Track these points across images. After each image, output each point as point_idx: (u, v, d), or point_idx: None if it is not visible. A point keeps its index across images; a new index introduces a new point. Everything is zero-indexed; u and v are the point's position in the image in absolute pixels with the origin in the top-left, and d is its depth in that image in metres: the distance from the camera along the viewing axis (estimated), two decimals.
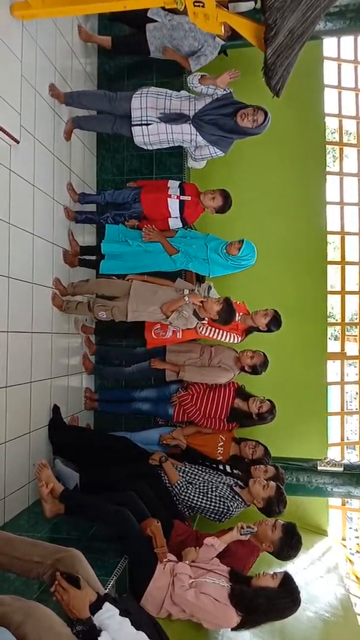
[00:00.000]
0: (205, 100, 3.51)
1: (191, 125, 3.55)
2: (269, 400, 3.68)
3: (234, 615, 2.34)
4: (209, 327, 3.65)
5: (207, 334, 3.67)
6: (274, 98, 3.23)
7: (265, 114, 3.40)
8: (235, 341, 3.74)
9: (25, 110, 3.11)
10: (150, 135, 3.64)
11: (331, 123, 5.58)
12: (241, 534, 2.69)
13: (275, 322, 3.68)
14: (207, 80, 3.49)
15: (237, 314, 3.59)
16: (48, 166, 3.53)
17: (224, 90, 3.49)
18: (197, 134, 3.57)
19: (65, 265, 3.80)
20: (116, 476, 3.13)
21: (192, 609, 2.39)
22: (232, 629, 2.41)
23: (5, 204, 2.89)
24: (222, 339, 3.71)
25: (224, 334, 3.67)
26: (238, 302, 3.78)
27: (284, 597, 2.38)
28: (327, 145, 5.13)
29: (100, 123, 3.86)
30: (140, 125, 3.61)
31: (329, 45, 5.10)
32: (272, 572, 2.46)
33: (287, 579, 2.42)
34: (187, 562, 2.58)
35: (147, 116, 3.57)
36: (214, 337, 3.68)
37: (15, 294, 2.98)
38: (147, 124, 3.59)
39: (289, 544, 2.71)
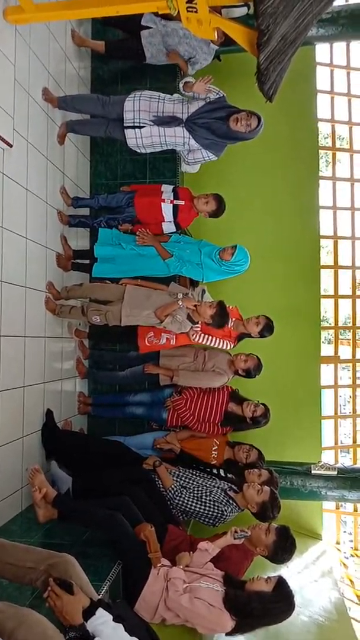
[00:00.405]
0: (198, 103, 3.52)
1: (184, 128, 3.55)
2: (263, 404, 3.68)
3: (229, 619, 2.33)
4: (202, 334, 3.65)
5: (199, 341, 3.67)
6: (267, 103, 3.25)
7: (259, 119, 3.41)
8: (228, 347, 3.75)
9: (18, 114, 3.11)
10: (144, 138, 3.64)
11: (324, 128, 5.62)
12: (235, 538, 2.69)
13: (267, 328, 3.69)
14: (188, 88, 3.51)
15: (230, 319, 3.60)
16: (41, 170, 3.52)
17: (217, 93, 3.51)
18: (190, 137, 3.57)
19: (59, 269, 3.79)
20: (109, 481, 3.12)
21: (186, 614, 2.38)
22: (227, 634, 2.40)
23: None
24: (215, 346, 3.71)
25: (217, 340, 3.68)
26: (230, 307, 3.78)
27: (279, 601, 2.37)
28: (320, 150, 5.16)
29: (94, 127, 3.87)
30: (133, 127, 3.61)
31: (322, 51, 5.14)
32: (266, 577, 2.46)
33: (281, 583, 2.41)
34: (181, 566, 2.57)
35: (139, 119, 3.57)
36: (207, 344, 3.69)
37: (8, 298, 2.97)
38: (139, 127, 3.60)
39: (283, 547, 2.70)
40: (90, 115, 3.90)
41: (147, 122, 3.56)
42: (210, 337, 3.66)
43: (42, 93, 3.52)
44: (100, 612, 1.84)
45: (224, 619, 2.33)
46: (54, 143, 3.73)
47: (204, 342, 3.68)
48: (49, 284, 3.60)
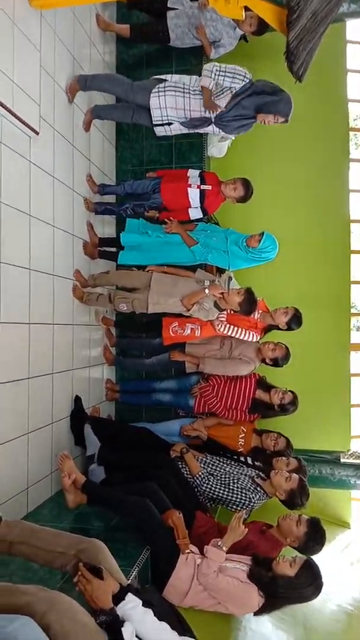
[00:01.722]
0: (226, 99, 3.43)
1: (214, 125, 3.57)
2: (291, 391, 3.64)
3: (257, 595, 2.36)
4: (228, 325, 3.60)
5: (225, 332, 3.63)
6: (296, 83, 3.17)
7: (287, 116, 3.38)
8: (254, 339, 3.68)
9: (44, 101, 3.10)
10: (173, 131, 3.69)
11: (354, 109, 5.44)
12: (238, 521, 2.58)
13: (295, 320, 3.62)
14: (207, 103, 3.48)
15: (257, 311, 3.56)
16: (67, 157, 3.52)
17: (243, 80, 3.40)
18: (220, 130, 3.58)
19: (86, 257, 3.80)
20: (135, 460, 3.18)
21: (216, 591, 2.40)
22: (255, 614, 2.42)
23: (25, 195, 2.89)
24: (241, 337, 3.65)
25: (243, 332, 3.62)
26: (257, 299, 3.74)
27: (304, 586, 2.39)
28: (350, 132, 5.00)
29: (120, 113, 3.84)
30: (162, 125, 3.62)
31: (353, 28, 4.95)
32: (292, 558, 2.46)
33: (306, 567, 2.42)
34: (225, 548, 2.52)
35: (167, 116, 3.59)
36: (233, 335, 3.64)
37: (36, 286, 2.99)
38: (169, 124, 3.60)
39: (314, 539, 2.68)
40: (116, 100, 3.87)
41: (175, 120, 3.56)
42: (236, 328, 3.62)
43: (67, 89, 3.47)
44: (130, 597, 1.87)
45: (252, 594, 2.36)
46: (79, 130, 3.72)
47: (229, 333, 3.64)
48: (76, 272, 3.62)
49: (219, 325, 3.59)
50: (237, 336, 3.64)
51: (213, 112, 3.47)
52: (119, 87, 3.65)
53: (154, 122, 3.63)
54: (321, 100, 4.63)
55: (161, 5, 3.89)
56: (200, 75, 3.53)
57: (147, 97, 3.55)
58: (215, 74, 3.40)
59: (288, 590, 2.39)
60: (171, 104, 3.52)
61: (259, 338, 3.71)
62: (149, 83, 3.62)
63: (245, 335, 3.63)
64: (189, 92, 3.51)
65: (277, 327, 3.69)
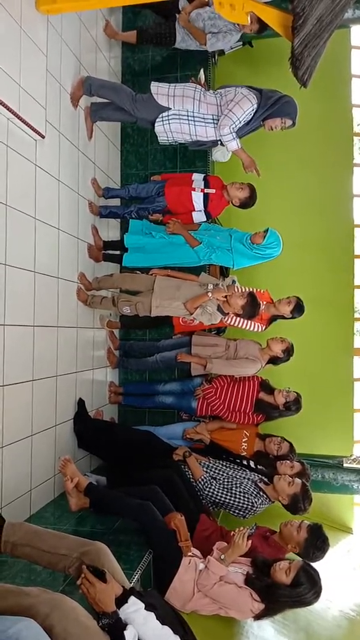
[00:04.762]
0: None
1: (221, 144, 3.61)
2: (294, 391, 3.64)
3: (253, 599, 2.34)
4: (233, 317, 3.62)
5: (231, 323, 3.64)
6: (301, 89, 3.17)
7: (293, 119, 3.40)
8: (259, 330, 3.70)
9: (50, 105, 3.11)
10: (179, 142, 3.72)
11: (359, 114, 5.44)
12: (242, 537, 2.54)
13: (298, 308, 3.65)
14: (241, 154, 3.55)
15: (261, 306, 3.57)
16: (73, 161, 3.53)
17: (253, 110, 3.35)
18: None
19: (90, 260, 3.81)
20: (137, 462, 3.20)
21: (215, 598, 2.39)
22: (256, 618, 2.40)
23: (31, 198, 2.90)
24: (246, 328, 3.67)
25: (248, 322, 3.64)
26: (261, 291, 3.75)
27: (302, 592, 2.35)
28: (354, 137, 5.02)
29: (123, 116, 3.74)
30: (168, 141, 3.65)
31: (357, 33, 4.97)
32: (288, 564, 2.42)
33: (302, 573, 2.37)
34: (226, 564, 2.49)
35: (174, 139, 3.61)
36: (238, 325, 3.66)
37: (41, 288, 3.00)
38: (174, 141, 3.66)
39: (315, 545, 2.66)
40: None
41: (181, 139, 3.60)
42: (241, 320, 3.63)
43: (70, 96, 3.47)
44: (133, 600, 1.86)
45: (249, 599, 2.35)
46: (85, 134, 3.73)
47: (235, 325, 3.65)
48: (80, 275, 3.63)
49: (225, 317, 3.59)
50: (242, 327, 3.65)
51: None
52: (124, 100, 3.55)
53: (160, 141, 3.66)
54: (326, 106, 4.65)
55: (171, 7, 3.92)
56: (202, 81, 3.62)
57: (150, 112, 3.51)
58: (234, 131, 3.38)
59: (286, 597, 2.36)
60: (176, 129, 3.52)
61: (264, 328, 3.72)
62: (150, 102, 3.47)
63: (250, 326, 3.64)
64: (194, 120, 3.47)
65: (282, 317, 3.71)
